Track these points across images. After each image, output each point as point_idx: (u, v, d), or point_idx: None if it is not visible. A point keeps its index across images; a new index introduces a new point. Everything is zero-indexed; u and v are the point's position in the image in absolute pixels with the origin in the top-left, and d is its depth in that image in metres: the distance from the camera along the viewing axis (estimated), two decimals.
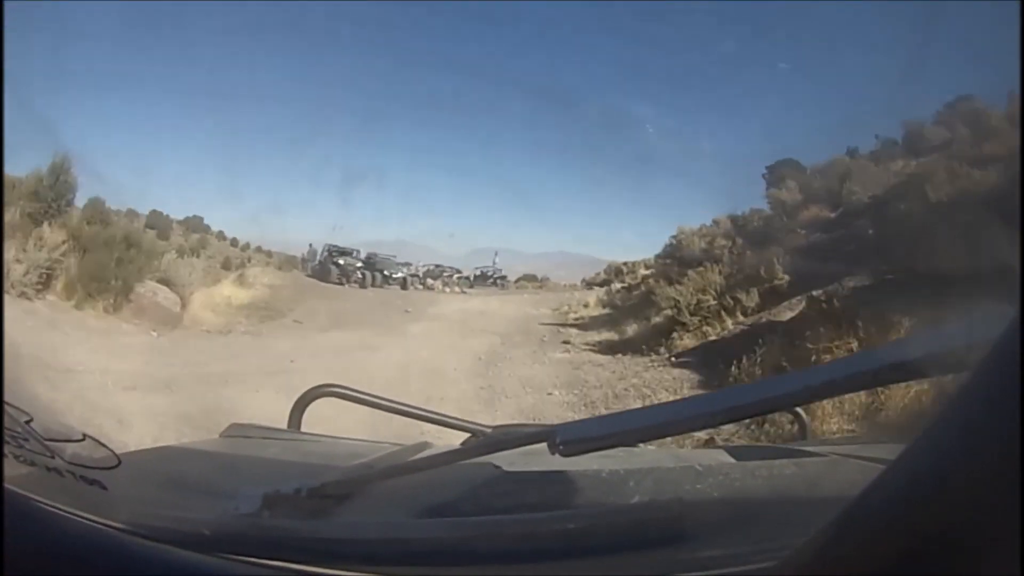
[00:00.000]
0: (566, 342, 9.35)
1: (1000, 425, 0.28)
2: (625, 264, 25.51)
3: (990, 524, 0.29)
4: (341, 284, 18.86)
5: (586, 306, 15.68)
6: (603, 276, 26.12)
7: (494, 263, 27.50)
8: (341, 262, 19.58)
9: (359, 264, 20.00)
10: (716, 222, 14.43)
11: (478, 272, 26.42)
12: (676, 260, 11.88)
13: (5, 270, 6.31)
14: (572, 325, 12.18)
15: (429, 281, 24.11)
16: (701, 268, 11.26)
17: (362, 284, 18.92)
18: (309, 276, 19.61)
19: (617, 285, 18.90)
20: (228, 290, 11.85)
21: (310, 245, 22.77)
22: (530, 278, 29.23)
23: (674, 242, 13.16)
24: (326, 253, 20.62)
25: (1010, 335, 0.29)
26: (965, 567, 0.30)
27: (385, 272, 20.45)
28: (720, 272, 8.99)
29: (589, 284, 25.03)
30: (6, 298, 5.98)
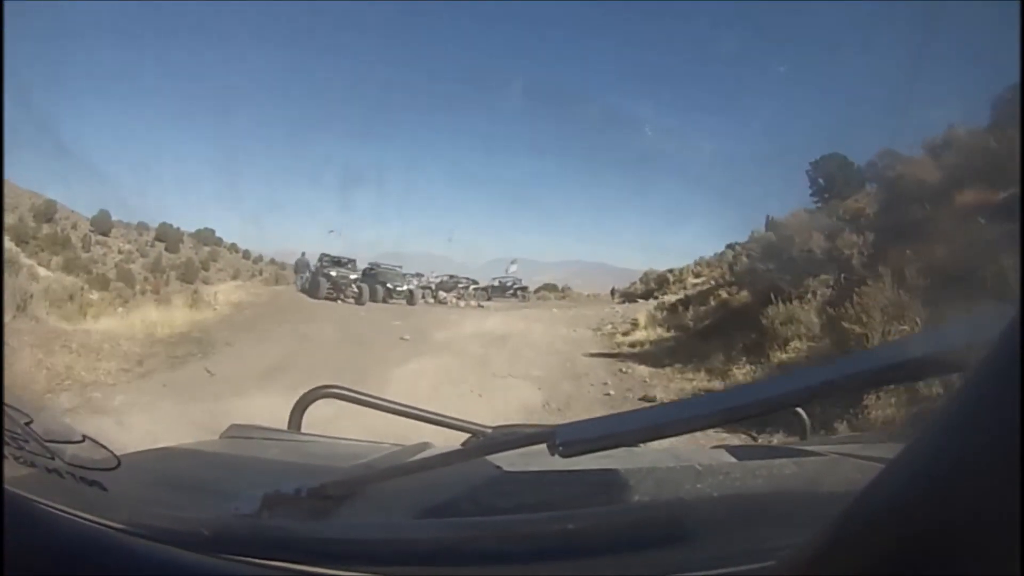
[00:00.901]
0: (648, 399, 5.78)
1: (1000, 425, 0.28)
2: (671, 272, 22.15)
3: (990, 524, 0.29)
4: (334, 300, 15.68)
5: (636, 325, 12.22)
6: (641, 286, 22.71)
7: (508, 271, 24.56)
8: (333, 274, 16.29)
9: (354, 276, 16.60)
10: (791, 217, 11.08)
11: (495, 283, 23.00)
12: (783, 264, 8.23)
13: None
14: (631, 356, 8.67)
15: (442, 294, 21.19)
16: (825, 277, 7.71)
17: (358, 299, 15.67)
18: (301, 291, 16.49)
19: (671, 298, 15.37)
20: (158, 314, 8.62)
21: (303, 254, 19.89)
22: (551, 288, 27.89)
23: (772, 239, 9.51)
24: (318, 263, 17.52)
25: (1010, 335, 0.29)
26: (965, 567, 0.30)
27: (388, 284, 17.25)
28: (898, 284, 5.39)
29: (627, 296, 21.47)
30: None
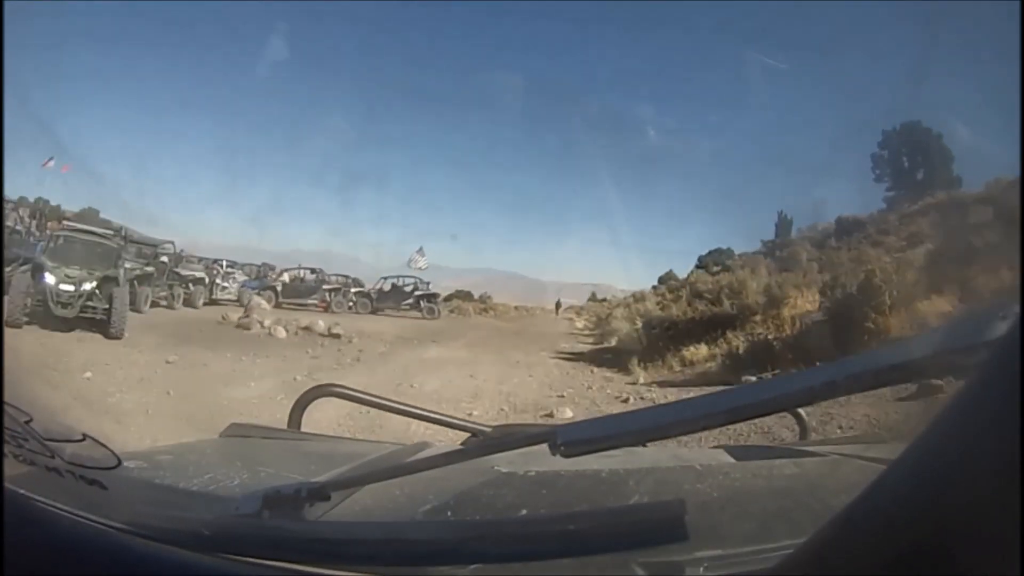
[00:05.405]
0: None
1: (1000, 426, 0.28)
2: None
3: (990, 525, 0.29)
4: None
5: None
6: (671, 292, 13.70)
7: (412, 265, 16.54)
8: None
9: None
10: None
11: (386, 285, 15.67)
12: None
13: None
14: None
15: (255, 300, 12.32)
16: None
17: None
18: None
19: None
20: None
21: None
22: (465, 296, 21.41)
23: None
24: None
25: (1010, 335, 0.30)
26: (965, 568, 0.30)
27: (53, 283, 6.30)
28: None
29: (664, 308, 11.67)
30: None
